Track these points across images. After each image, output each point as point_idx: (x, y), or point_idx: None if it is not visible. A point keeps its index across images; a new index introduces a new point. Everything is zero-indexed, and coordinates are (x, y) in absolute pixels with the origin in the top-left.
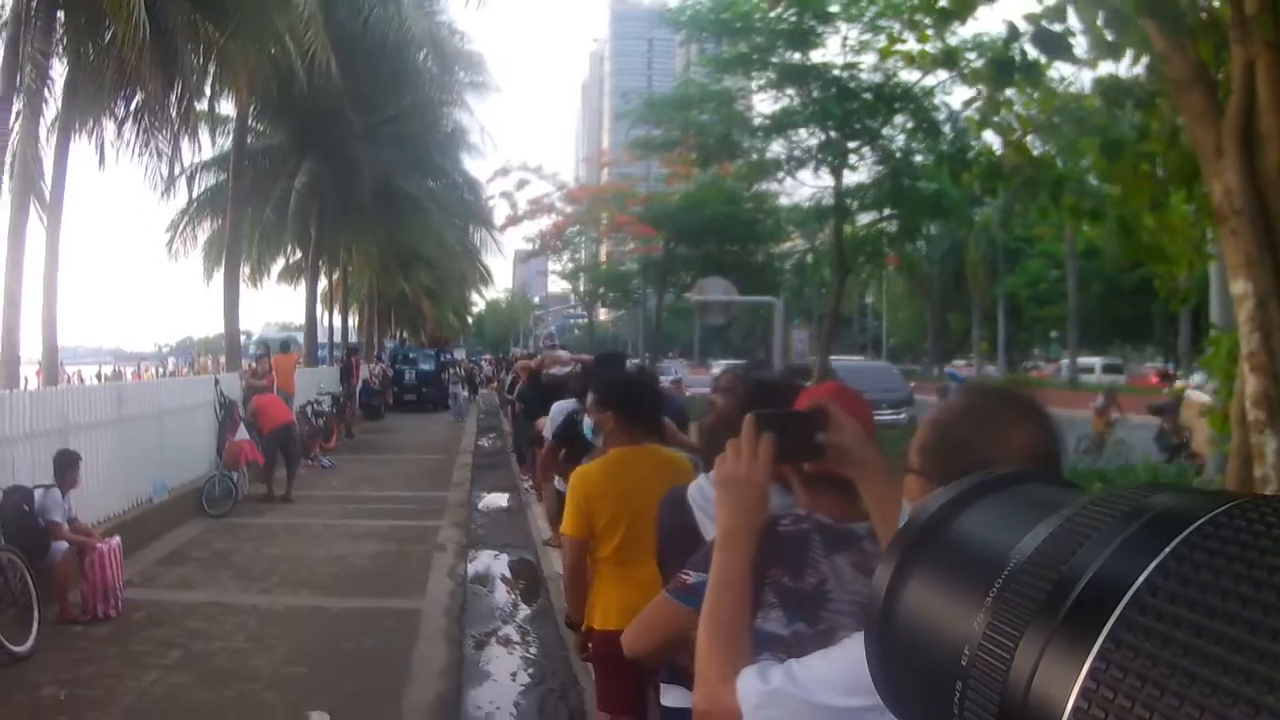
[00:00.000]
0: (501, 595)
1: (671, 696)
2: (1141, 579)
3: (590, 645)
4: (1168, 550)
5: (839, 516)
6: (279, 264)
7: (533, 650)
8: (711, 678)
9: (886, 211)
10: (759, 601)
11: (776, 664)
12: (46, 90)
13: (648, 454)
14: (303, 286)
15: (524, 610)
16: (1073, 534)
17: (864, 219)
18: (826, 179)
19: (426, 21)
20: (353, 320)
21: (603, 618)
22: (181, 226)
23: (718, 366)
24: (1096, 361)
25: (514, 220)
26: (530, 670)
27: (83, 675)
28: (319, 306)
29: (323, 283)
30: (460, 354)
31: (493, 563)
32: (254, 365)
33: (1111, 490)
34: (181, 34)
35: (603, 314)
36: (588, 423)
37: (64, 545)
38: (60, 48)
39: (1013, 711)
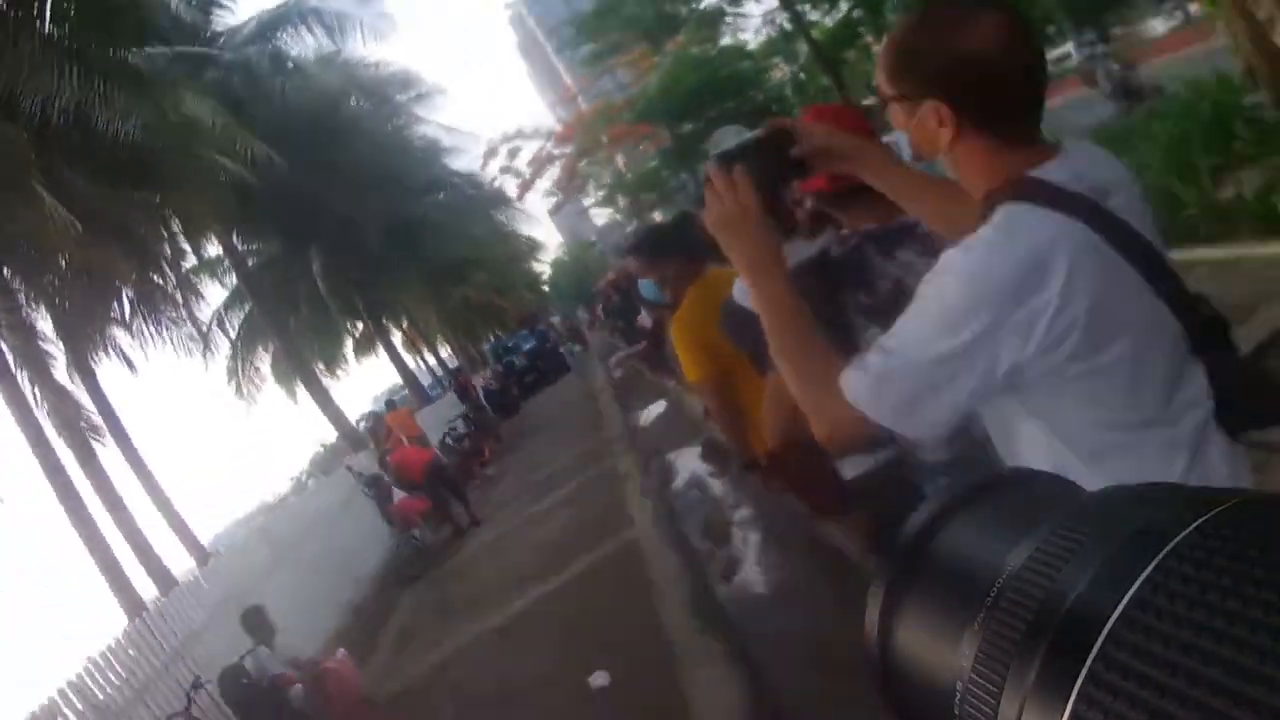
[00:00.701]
0: (697, 484)
1: (848, 467)
2: (1117, 613)
3: (772, 470)
4: (1142, 578)
5: (884, 219)
6: (348, 344)
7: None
8: (815, 401)
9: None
10: (849, 331)
11: (867, 353)
12: (40, 341)
13: (718, 276)
14: (380, 352)
15: (721, 484)
16: (1053, 557)
17: (829, 21)
18: (771, 1)
19: (338, 72)
20: (445, 352)
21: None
22: (239, 368)
23: None
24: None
25: (526, 186)
26: (754, 530)
27: None
28: (406, 356)
29: (397, 336)
30: (556, 318)
31: (675, 461)
32: (373, 435)
33: (1090, 502)
34: (130, 220)
35: (656, 216)
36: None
37: (299, 688)
38: (28, 300)
39: None
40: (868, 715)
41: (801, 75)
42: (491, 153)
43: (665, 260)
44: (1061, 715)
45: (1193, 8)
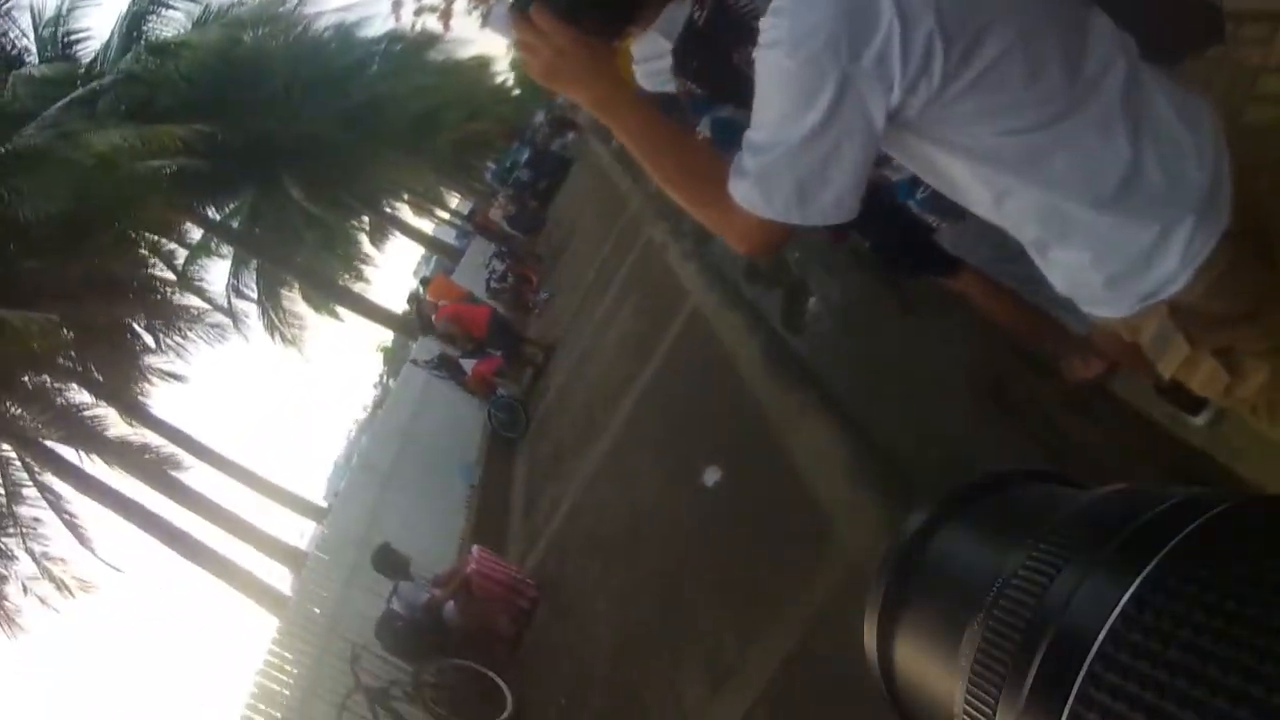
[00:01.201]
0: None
1: None
2: (1102, 635)
3: None
4: (1124, 600)
5: None
6: (364, 242)
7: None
8: (721, 221)
9: None
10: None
11: (736, 157)
12: (82, 413)
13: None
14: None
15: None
16: (1043, 567)
17: None
18: None
19: (216, 26)
20: (455, 201)
21: None
22: (275, 321)
23: None
24: None
25: (445, 15)
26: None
27: (561, 673)
28: (423, 224)
29: (404, 209)
30: (538, 117)
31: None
32: (421, 317)
33: (1077, 510)
34: (99, 266)
35: None
36: None
37: (450, 605)
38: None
39: None
40: (961, 432)
41: None
42: (398, 3)
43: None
44: (1060, 717)
45: None
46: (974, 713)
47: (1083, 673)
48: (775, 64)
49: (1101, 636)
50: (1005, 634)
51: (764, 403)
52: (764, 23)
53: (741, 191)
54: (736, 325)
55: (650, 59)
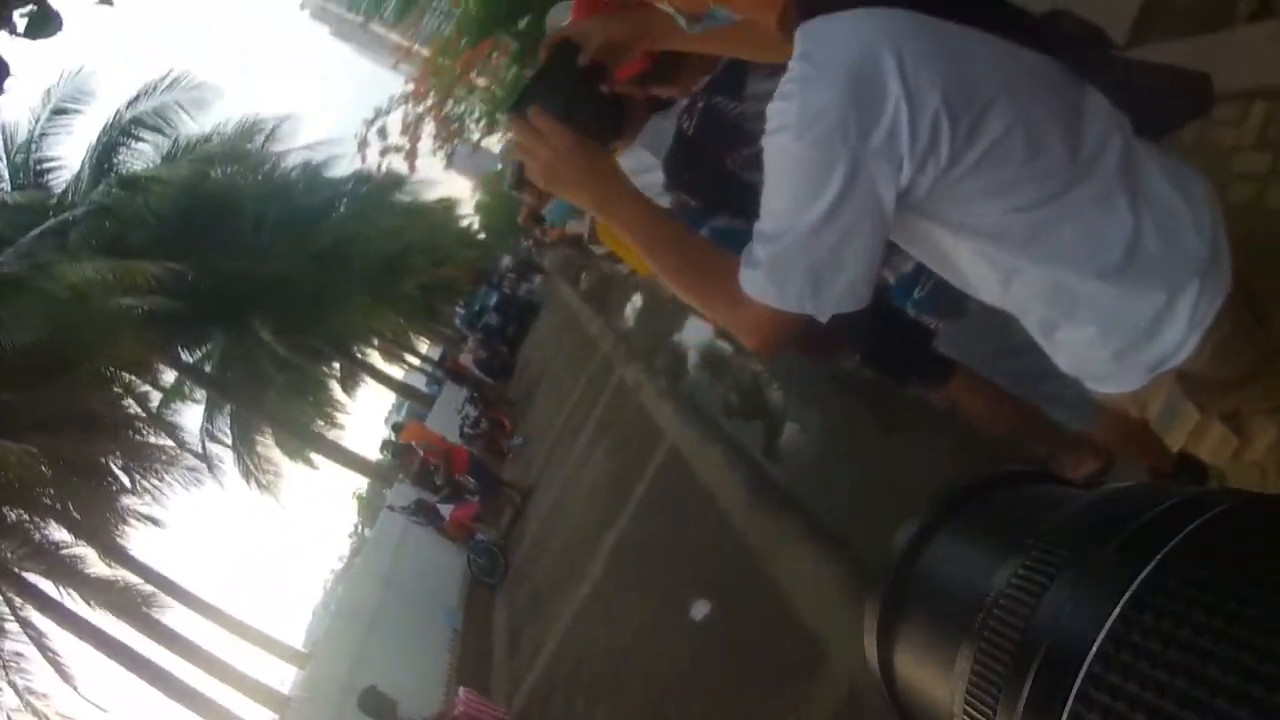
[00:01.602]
0: (704, 363)
1: None
2: (1101, 636)
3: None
4: (1123, 601)
5: (712, 66)
6: (335, 388)
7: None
8: (733, 317)
9: None
10: (756, 202)
11: (747, 249)
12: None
13: None
14: (369, 385)
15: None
16: (1037, 576)
17: None
18: None
19: (186, 161)
20: (425, 346)
21: None
22: (250, 467)
23: None
24: None
25: (411, 155)
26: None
27: None
28: (392, 370)
29: (374, 355)
30: (505, 260)
31: (677, 351)
32: (401, 464)
33: (1070, 515)
34: (77, 401)
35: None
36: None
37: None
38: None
39: None
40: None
41: None
42: (363, 143)
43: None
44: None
45: None
46: (974, 714)
47: (1082, 674)
48: (784, 149)
49: (1101, 638)
50: (1003, 636)
51: (748, 533)
52: (771, 108)
53: (753, 283)
54: (717, 461)
55: (637, 174)
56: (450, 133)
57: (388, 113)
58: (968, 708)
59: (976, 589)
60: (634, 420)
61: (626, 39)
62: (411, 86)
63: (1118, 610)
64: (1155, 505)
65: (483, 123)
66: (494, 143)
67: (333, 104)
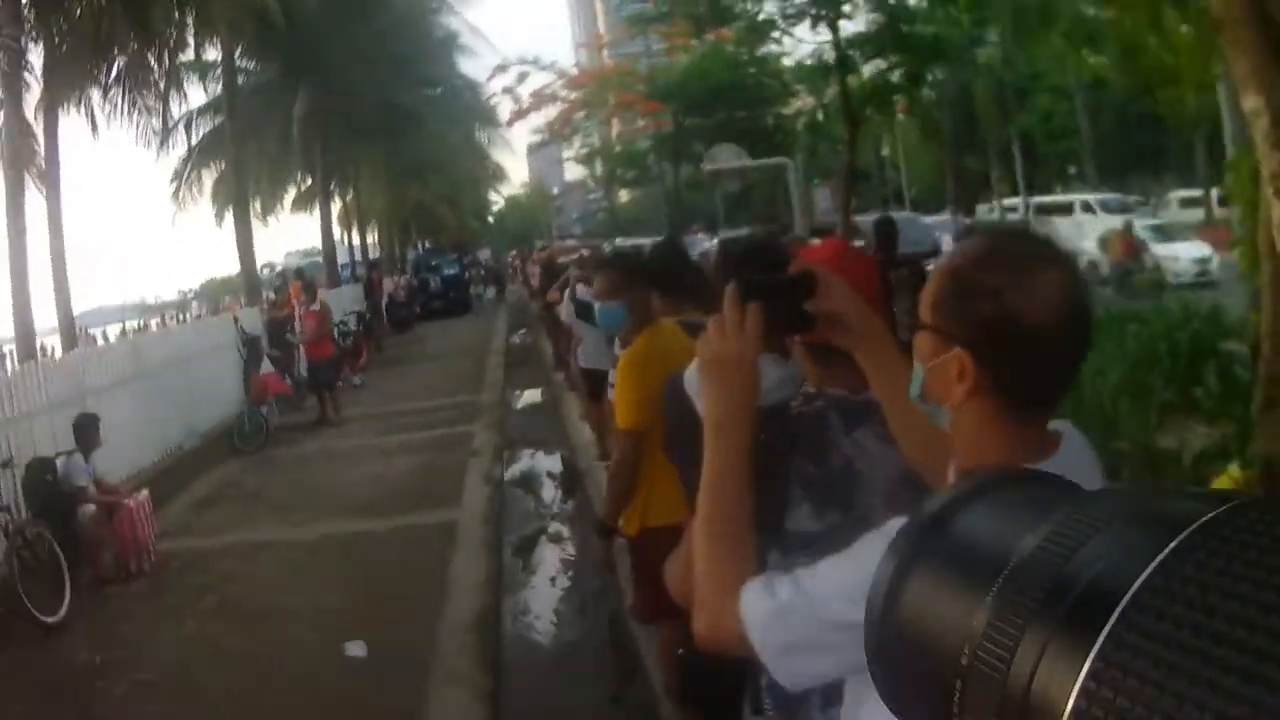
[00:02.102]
0: (539, 497)
1: None
2: (1142, 579)
3: (637, 547)
4: (1168, 550)
5: (854, 389)
6: (291, 193)
7: (572, 552)
8: (710, 595)
9: (889, 60)
10: (784, 499)
11: (783, 574)
12: (25, 72)
13: (669, 328)
14: (318, 213)
15: (563, 510)
16: (1074, 533)
17: (868, 69)
18: (825, 34)
19: None
20: (373, 237)
21: (656, 513)
22: (186, 174)
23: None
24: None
25: (519, 114)
26: (570, 573)
27: (119, 635)
28: (336, 229)
29: (337, 205)
30: (486, 254)
31: (530, 463)
32: (273, 300)
33: (1113, 489)
34: None
35: (623, 195)
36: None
37: (91, 508)
38: (32, 30)
39: (1012, 711)
40: None
41: (819, 115)
42: (502, 69)
43: (639, 290)
44: (1080, 670)
45: (1219, 208)
46: (992, 648)
47: (1117, 613)
48: (872, 550)
49: (1140, 582)
50: (1032, 586)
51: (442, 649)
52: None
53: (755, 604)
54: (476, 566)
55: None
56: (562, 133)
57: (541, 68)
58: (990, 636)
59: (1009, 541)
60: (448, 469)
61: (850, 329)
62: (576, 73)
63: (1119, 609)
64: (1156, 506)
65: (585, 151)
66: (573, 170)
67: (514, 24)
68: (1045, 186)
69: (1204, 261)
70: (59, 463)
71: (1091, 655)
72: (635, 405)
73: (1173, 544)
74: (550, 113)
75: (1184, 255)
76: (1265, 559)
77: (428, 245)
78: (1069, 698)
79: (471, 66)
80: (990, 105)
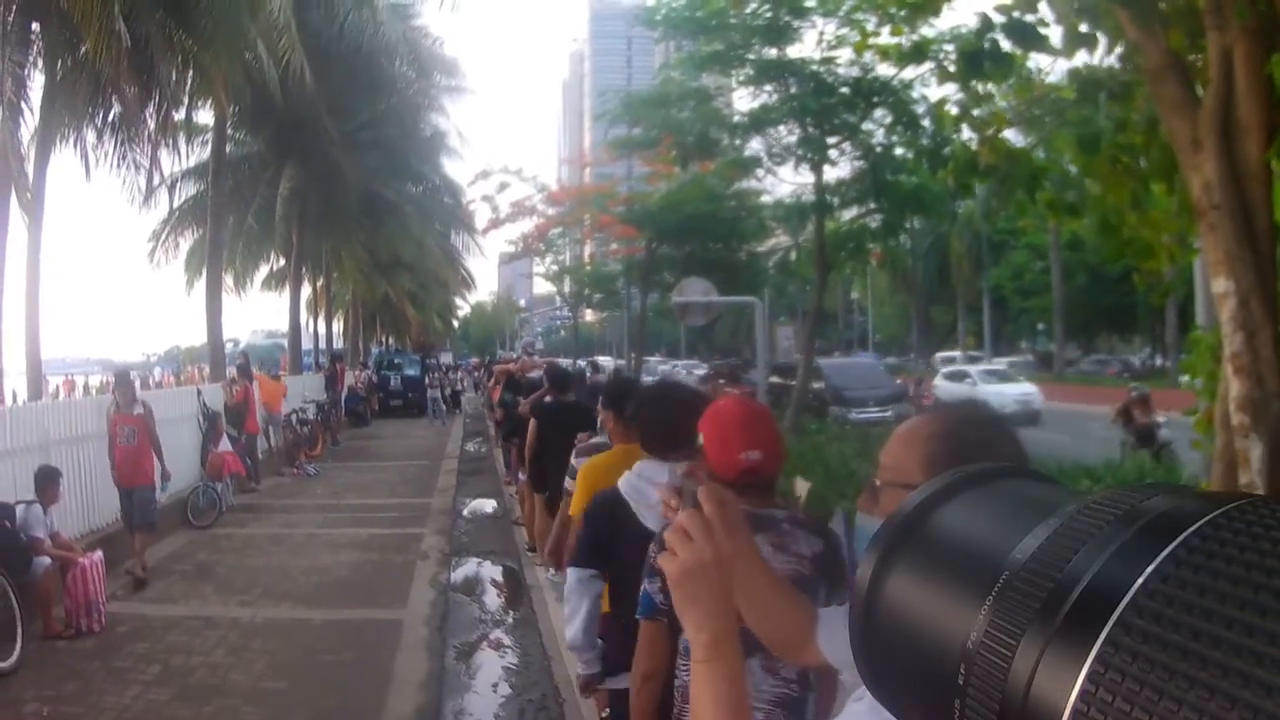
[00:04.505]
0: (484, 604)
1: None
2: (1139, 582)
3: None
4: (1165, 553)
5: (756, 506)
6: (263, 271)
7: (514, 660)
8: None
9: (868, 206)
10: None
11: None
12: (24, 102)
13: (623, 454)
14: (287, 294)
15: (506, 619)
16: (1071, 536)
17: (846, 214)
18: (807, 175)
19: (401, 26)
20: (338, 326)
21: None
22: (164, 236)
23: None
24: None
25: (496, 223)
26: (511, 681)
27: (65, 691)
28: (303, 313)
29: (306, 289)
30: (447, 358)
31: (476, 570)
32: (235, 379)
33: (1108, 492)
34: (156, 44)
35: (589, 315)
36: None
37: (46, 561)
38: (38, 59)
39: (1012, 713)
40: None
41: (792, 256)
42: (484, 175)
43: (611, 414)
44: (1078, 673)
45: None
46: (992, 646)
47: (1117, 612)
48: None
49: (1141, 580)
50: (1033, 587)
51: None
52: None
53: None
54: (425, 660)
55: None
56: (534, 247)
57: (521, 180)
58: (990, 634)
59: (1007, 543)
60: (398, 571)
61: (733, 546)
62: (556, 189)
63: (1116, 613)
64: (1154, 508)
65: (554, 269)
66: (541, 285)
67: (501, 131)
68: (1012, 340)
69: (1026, 397)
70: (18, 511)
71: (1090, 658)
72: (584, 501)
73: (1171, 546)
74: (526, 225)
75: (1009, 393)
76: (1265, 561)
77: (391, 342)
78: (1068, 700)
79: (455, 169)
80: (964, 258)
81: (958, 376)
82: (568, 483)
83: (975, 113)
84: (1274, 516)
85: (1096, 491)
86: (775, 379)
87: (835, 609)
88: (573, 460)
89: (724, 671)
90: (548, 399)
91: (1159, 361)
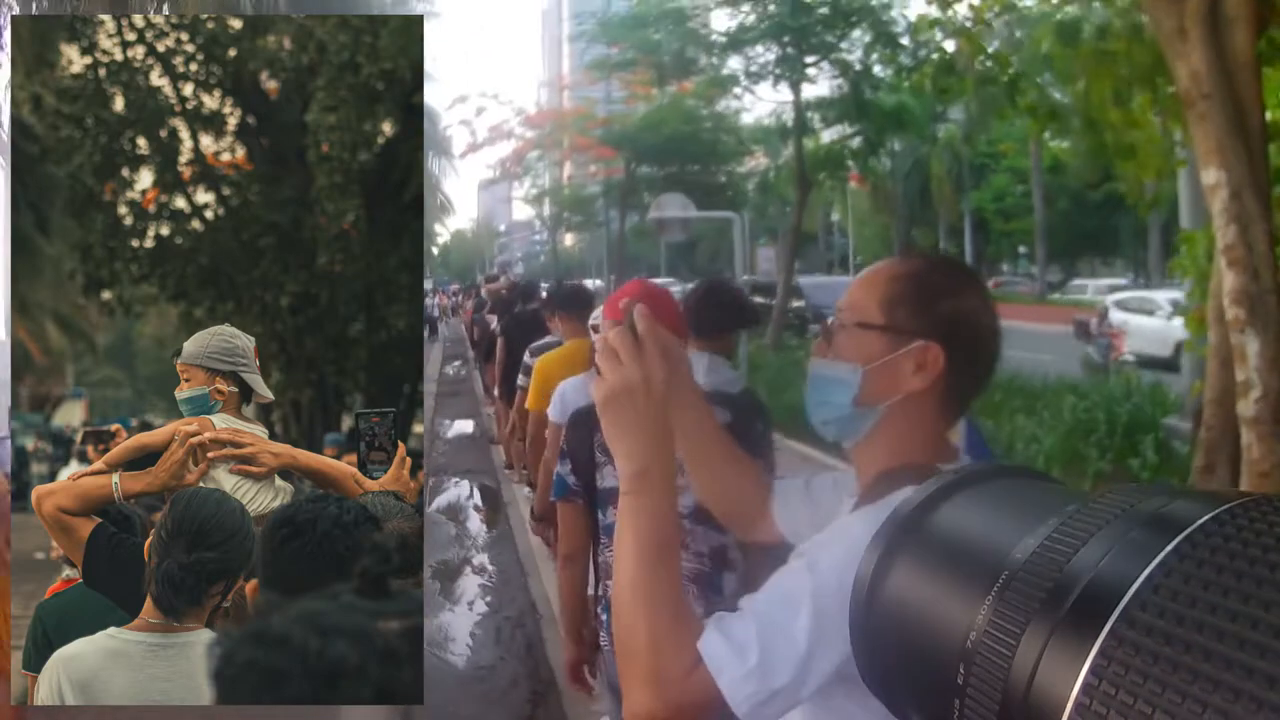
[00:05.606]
0: (460, 523)
1: None
2: (1143, 577)
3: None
4: (1168, 549)
5: None
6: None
7: (492, 579)
8: (654, 665)
9: (848, 127)
10: (593, 462)
11: (726, 617)
12: None
13: (582, 347)
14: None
15: (483, 537)
16: (1072, 535)
17: (827, 135)
18: (786, 94)
19: None
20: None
21: None
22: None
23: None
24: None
25: (474, 148)
26: (488, 599)
27: None
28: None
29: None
30: (428, 284)
31: (453, 489)
32: None
33: (1109, 493)
34: None
35: (568, 239)
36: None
37: None
38: None
39: (1015, 707)
40: None
41: (772, 176)
42: (462, 99)
43: (559, 315)
44: (1082, 666)
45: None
46: (993, 642)
47: (1119, 608)
48: (818, 557)
49: (1144, 576)
50: (1036, 581)
51: None
52: (843, 520)
53: (714, 648)
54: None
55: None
56: (513, 171)
57: (500, 103)
58: (992, 627)
59: (1009, 540)
60: None
61: (665, 370)
62: (534, 112)
63: (1120, 606)
64: (1156, 505)
65: (533, 192)
66: (522, 210)
67: (479, 58)
68: (993, 263)
69: None
70: None
71: (1093, 652)
72: (537, 393)
73: (1175, 541)
74: (505, 149)
75: None
76: (1268, 556)
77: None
78: (1071, 693)
79: (432, 92)
80: (945, 180)
81: None
82: (520, 379)
83: (950, 12)
84: (1275, 514)
85: (1097, 492)
86: (757, 298)
87: (789, 481)
88: (526, 358)
89: (649, 506)
90: (516, 309)
91: (1143, 285)
